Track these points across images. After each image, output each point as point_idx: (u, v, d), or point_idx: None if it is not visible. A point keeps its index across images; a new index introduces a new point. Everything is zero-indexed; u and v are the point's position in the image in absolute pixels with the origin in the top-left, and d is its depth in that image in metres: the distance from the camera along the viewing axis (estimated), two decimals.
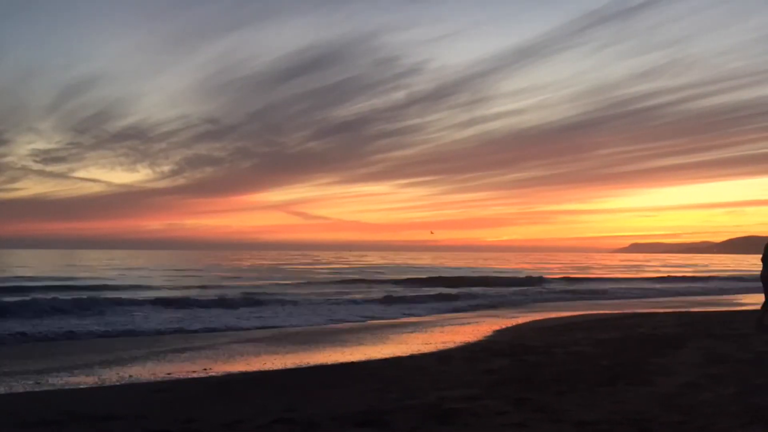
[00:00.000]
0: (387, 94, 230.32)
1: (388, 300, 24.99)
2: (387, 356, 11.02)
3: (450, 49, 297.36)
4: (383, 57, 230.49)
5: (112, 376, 9.56)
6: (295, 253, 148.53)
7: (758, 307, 13.59)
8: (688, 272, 62.10)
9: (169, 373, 9.71)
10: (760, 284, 13.25)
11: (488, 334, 14.59)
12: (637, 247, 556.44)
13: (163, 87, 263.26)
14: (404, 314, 20.52)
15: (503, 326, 16.29)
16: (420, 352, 11.37)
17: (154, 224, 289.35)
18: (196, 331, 15.58)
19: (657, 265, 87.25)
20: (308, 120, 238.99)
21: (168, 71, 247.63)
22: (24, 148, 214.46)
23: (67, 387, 8.75)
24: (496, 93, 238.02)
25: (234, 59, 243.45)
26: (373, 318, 19.10)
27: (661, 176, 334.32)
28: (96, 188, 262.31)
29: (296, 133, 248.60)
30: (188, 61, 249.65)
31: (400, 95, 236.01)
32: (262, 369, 10.15)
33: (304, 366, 10.27)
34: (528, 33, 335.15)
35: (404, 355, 11.00)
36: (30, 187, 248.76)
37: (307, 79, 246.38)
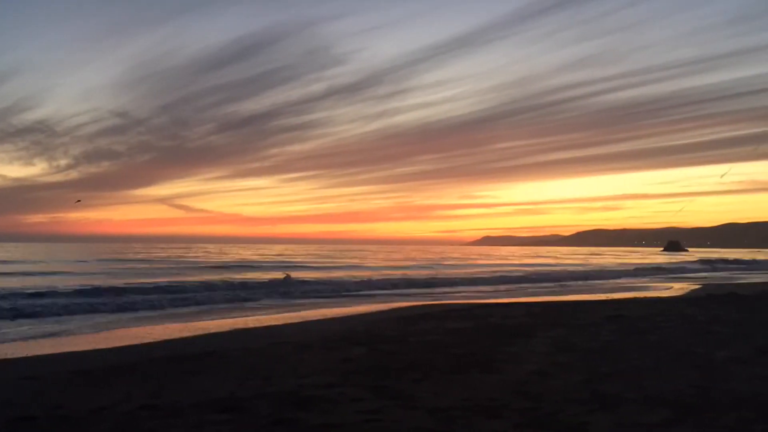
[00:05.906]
0: (308, 86, 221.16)
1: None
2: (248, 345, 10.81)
3: (385, 39, 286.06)
4: (315, 47, 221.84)
5: None
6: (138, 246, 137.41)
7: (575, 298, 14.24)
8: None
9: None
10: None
11: (345, 323, 14.64)
12: (488, 240, 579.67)
13: (82, 81, 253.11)
14: None
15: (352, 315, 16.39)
16: (279, 341, 11.20)
17: (37, 218, 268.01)
18: None
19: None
20: (216, 113, 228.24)
21: (90, 65, 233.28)
22: None
23: None
24: (417, 85, 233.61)
25: (159, 52, 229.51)
26: None
27: (545, 171, 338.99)
28: None
29: (201, 127, 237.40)
30: (113, 54, 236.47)
31: (320, 87, 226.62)
32: (125, 357, 9.84)
33: (166, 355, 9.92)
34: (473, 21, 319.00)
35: (265, 344, 10.81)
36: None
37: (230, 71, 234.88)
